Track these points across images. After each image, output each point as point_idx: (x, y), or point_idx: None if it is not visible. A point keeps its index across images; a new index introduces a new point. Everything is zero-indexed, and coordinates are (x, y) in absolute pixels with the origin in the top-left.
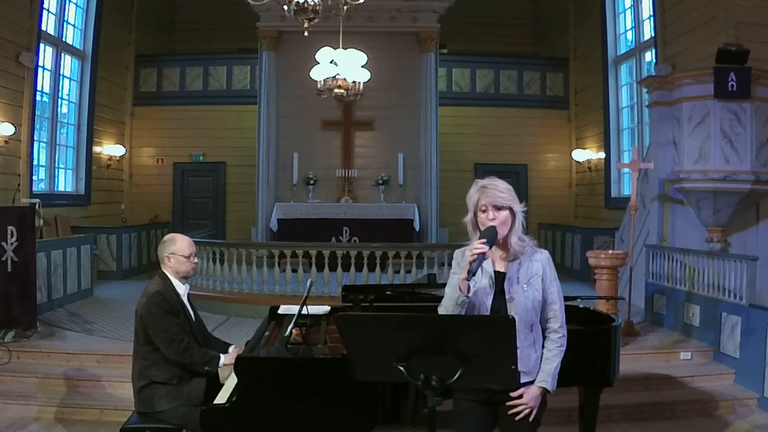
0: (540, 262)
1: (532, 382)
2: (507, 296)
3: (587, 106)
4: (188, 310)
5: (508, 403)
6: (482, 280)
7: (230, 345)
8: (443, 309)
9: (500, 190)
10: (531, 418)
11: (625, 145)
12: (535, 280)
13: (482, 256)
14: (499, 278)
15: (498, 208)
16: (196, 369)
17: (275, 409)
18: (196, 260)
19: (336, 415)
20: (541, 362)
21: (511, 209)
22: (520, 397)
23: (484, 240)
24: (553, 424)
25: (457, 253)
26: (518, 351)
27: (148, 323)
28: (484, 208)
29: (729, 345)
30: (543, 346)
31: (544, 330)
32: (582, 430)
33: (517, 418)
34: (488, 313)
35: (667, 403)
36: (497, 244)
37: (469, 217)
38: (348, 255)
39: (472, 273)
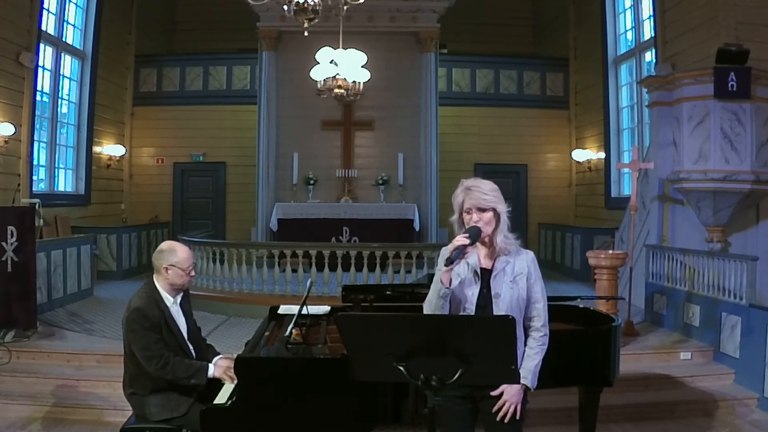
0: (525, 261)
1: None
2: (492, 292)
3: (587, 106)
4: (175, 323)
5: (494, 402)
6: (467, 275)
7: (218, 354)
8: (427, 302)
9: (484, 192)
10: (511, 416)
11: (625, 145)
12: (520, 278)
13: (462, 248)
14: (485, 275)
15: (482, 210)
16: (182, 383)
17: (275, 409)
18: (193, 273)
19: (336, 415)
20: (523, 359)
21: (495, 210)
22: (501, 394)
23: (467, 234)
24: (553, 424)
25: (443, 250)
26: None
27: (130, 339)
28: (468, 210)
29: (729, 345)
30: (525, 344)
31: (526, 329)
32: (582, 430)
33: (500, 416)
34: (473, 308)
35: (667, 403)
36: (483, 242)
37: (455, 218)
38: (348, 255)
39: (450, 261)
